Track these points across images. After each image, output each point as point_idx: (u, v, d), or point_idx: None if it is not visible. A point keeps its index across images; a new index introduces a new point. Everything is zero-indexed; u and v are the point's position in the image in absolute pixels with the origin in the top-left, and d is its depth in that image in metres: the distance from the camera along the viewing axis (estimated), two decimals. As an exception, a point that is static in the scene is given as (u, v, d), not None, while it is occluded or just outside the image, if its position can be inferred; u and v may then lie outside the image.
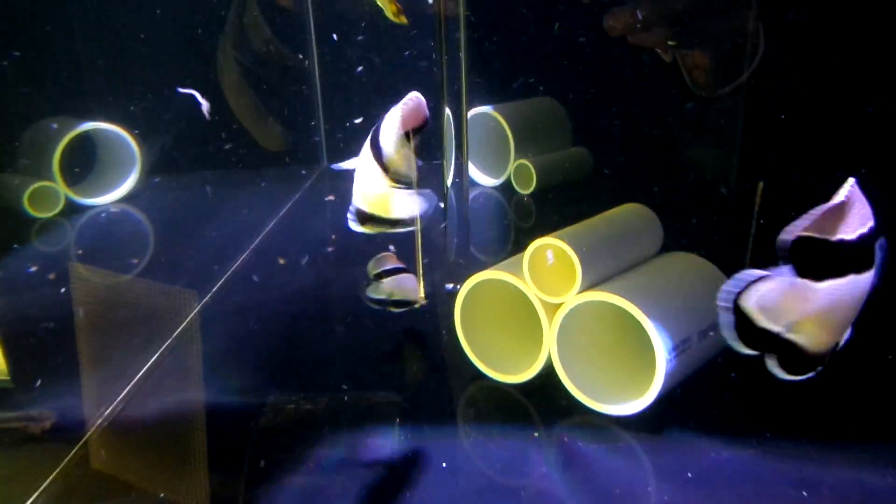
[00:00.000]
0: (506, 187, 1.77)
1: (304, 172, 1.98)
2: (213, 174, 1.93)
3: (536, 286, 0.86)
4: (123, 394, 0.94)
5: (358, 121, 1.42)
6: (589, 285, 0.84)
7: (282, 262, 1.30)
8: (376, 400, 0.92)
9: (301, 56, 1.87)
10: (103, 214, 1.68)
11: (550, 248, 0.85)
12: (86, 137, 1.69)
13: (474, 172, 1.80)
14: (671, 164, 1.40)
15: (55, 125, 1.65)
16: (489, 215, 1.75)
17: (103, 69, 1.76)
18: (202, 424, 0.89)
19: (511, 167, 1.75)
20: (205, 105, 1.04)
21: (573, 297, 0.84)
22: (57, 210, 1.61)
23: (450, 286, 1.23)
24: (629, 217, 0.95)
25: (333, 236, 1.54)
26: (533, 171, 1.71)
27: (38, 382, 1.00)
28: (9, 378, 1.08)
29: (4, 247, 1.48)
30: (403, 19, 1.00)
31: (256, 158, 1.92)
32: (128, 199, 1.73)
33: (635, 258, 0.92)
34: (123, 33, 1.73)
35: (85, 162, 1.77)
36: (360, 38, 1.81)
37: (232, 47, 1.72)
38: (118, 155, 1.74)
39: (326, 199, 1.40)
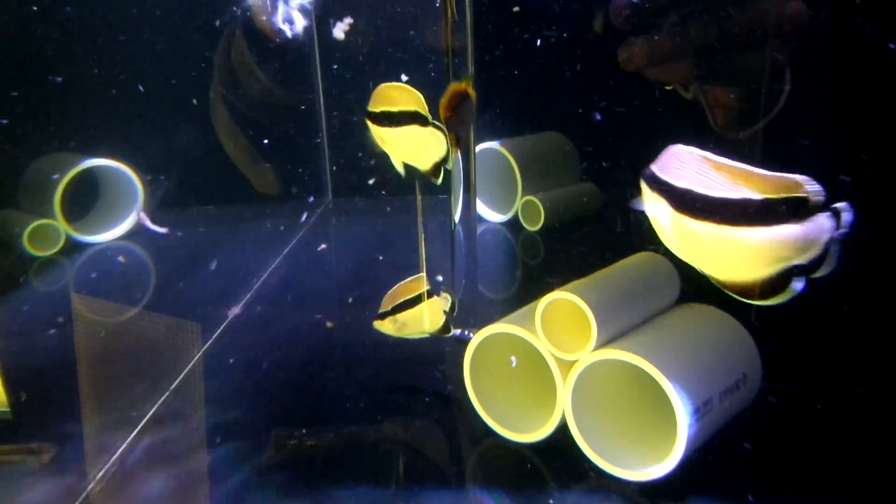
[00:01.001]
0: (513, 223, 1.74)
1: (309, 204, 1.95)
2: (216, 210, 1.91)
3: (550, 341, 0.83)
4: (127, 442, 0.90)
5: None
6: (605, 341, 0.81)
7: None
8: (376, 456, 0.88)
9: (298, 93, 1.85)
10: (104, 252, 1.66)
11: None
12: (88, 173, 1.67)
13: (481, 208, 1.78)
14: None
15: (57, 162, 1.63)
16: (496, 252, 1.72)
17: (107, 105, 1.75)
18: (205, 475, 0.85)
19: (518, 203, 1.73)
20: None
21: (588, 354, 0.80)
22: (57, 248, 1.59)
23: (458, 332, 1.20)
24: (645, 267, 0.91)
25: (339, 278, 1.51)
26: (541, 207, 1.68)
27: (38, 418, 0.97)
28: (9, 410, 1.05)
29: (3, 285, 1.46)
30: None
31: (260, 194, 1.89)
32: (129, 236, 1.71)
33: (652, 311, 0.88)
34: (127, 70, 1.72)
35: (87, 198, 1.75)
36: (365, 68, 1.80)
37: (221, 86, 1.69)
38: (120, 191, 1.72)
39: (320, 248, 1.37)
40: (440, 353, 1.10)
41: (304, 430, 0.94)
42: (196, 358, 1.13)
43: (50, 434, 0.94)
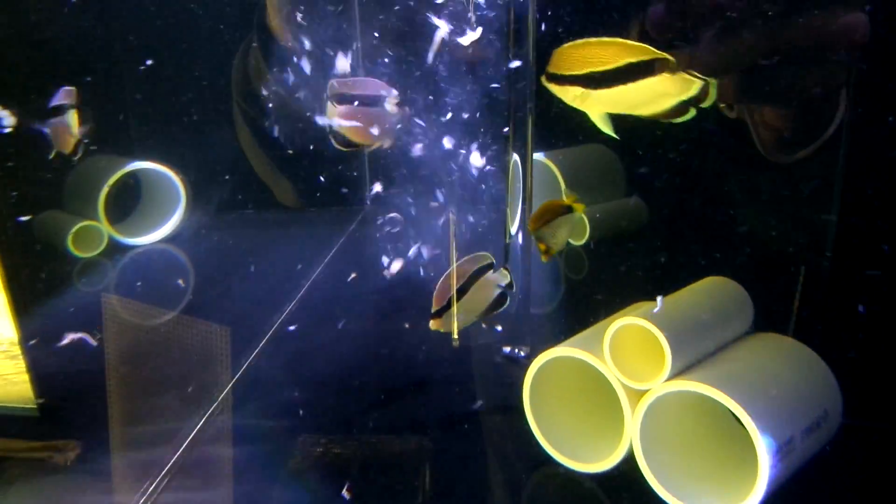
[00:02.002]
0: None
1: (349, 210, 1.94)
2: (255, 214, 1.90)
3: (618, 368, 0.79)
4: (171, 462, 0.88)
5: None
6: (678, 371, 0.77)
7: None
8: (425, 479, 0.85)
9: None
10: (146, 255, 1.65)
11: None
12: (131, 176, 1.67)
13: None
14: (734, 228, 1.31)
15: (102, 165, 1.63)
16: (539, 267, 1.68)
17: (150, 107, 1.75)
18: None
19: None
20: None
21: (661, 384, 0.76)
22: (100, 250, 1.59)
23: (507, 350, 1.16)
24: (718, 293, 0.88)
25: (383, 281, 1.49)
26: (586, 221, 1.64)
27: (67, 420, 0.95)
28: (35, 407, 1.05)
29: (47, 286, 1.45)
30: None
31: (300, 200, 1.88)
32: (171, 238, 1.70)
33: (725, 339, 0.84)
34: (172, 73, 1.72)
35: (129, 200, 1.75)
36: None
37: (239, 98, 1.68)
38: (163, 194, 1.72)
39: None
40: (493, 372, 1.07)
41: (348, 447, 0.91)
42: (245, 366, 1.11)
43: (75, 435, 0.92)
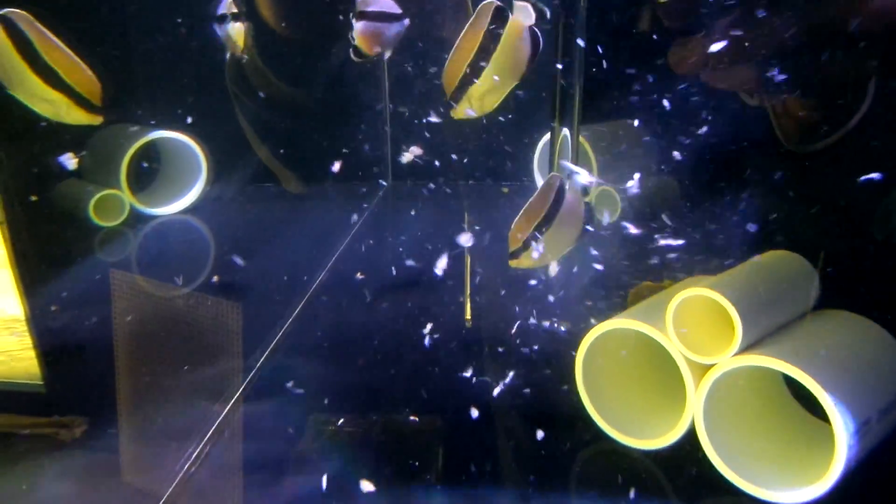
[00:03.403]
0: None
1: (371, 188, 1.90)
2: (275, 188, 1.86)
3: (683, 342, 0.75)
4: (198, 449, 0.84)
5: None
6: (746, 346, 0.73)
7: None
8: (473, 459, 0.81)
9: (316, 93, 1.80)
10: (167, 224, 1.62)
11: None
12: (152, 145, 1.63)
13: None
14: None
15: (122, 133, 1.59)
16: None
17: (173, 77, 1.70)
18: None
19: (593, 193, 1.64)
20: None
21: (729, 359, 0.72)
22: (121, 219, 1.55)
23: (546, 324, 1.13)
24: (783, 266, 0.84)
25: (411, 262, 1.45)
26: (617, 199, 1.60)
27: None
28: (42, 383, 1.02)
29: (67, 255, 1.42)
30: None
31: (322, 174, 1.85)
32: (192, 209, 1.66)
33: (792, 315, 0.80)
34: (196, 43, 1.67)
35: (150, 170, 1.71)
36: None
37: (233, 85, 1.64)
38: (184, 164, 1.68)
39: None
40: (536, 345, 1.04)
41: (389, 426, 0.88)
42: (275, 340, 1.08)
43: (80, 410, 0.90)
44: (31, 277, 1.31)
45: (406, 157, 1.46)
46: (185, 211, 1.66)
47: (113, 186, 1.54)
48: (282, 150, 1.79)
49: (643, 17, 1.20)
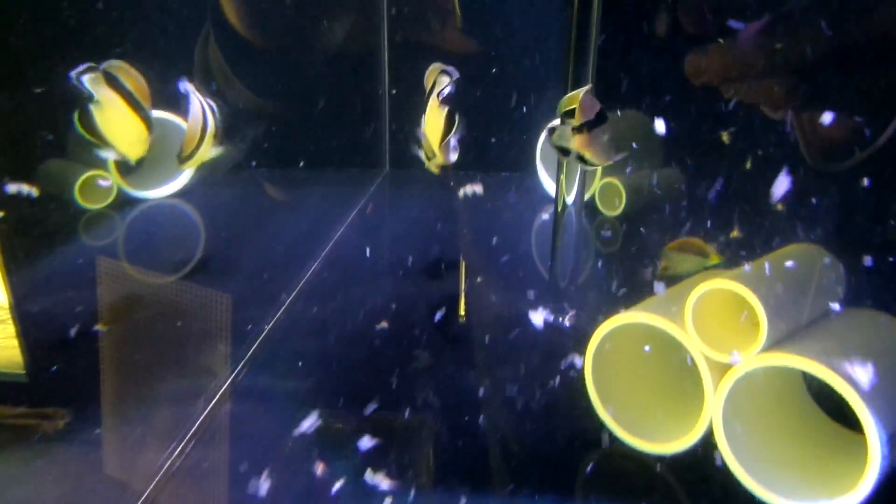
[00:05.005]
0: (588, 207, 1.60)
1: (369, 174, 1.85)
2: (269, 172, 1.81)
3: (702, 339, 0.70)
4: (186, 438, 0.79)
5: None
6: (770, 345, 0.68)
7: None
8: (475, 461, 0.76)
9: (280, 100, 1.75)
10: (157, 209, 1.56)
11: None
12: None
13: (553, 189, 1.65)
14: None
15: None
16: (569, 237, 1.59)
17: (164, 54, 1.64)
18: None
19: (596, 185, 1.59)
20: None
21: (753, 358, 0.67)
22: (108, 202, 1.49)
23: (551, 319, 1.07)
24: (808, 261, 0.78)
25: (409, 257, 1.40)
26: (622, 190, 1.55)
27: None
28: (24, 373, 0.97)
29: (50, 239, 1.36)
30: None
31: (319, 159, 1.80)
32: (183, 193, 1.60)
33: (817, 313, 0.75)
34: (188, 20, 1.61)
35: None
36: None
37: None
38: (175, 145, 1.61)
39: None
40: (541, 341, 0.98)
41: (385, 422, 0.82)
42: (265, 331, 1.02)
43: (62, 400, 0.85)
44: (13, 264, 1.25)
45: (464, 192, 1.45)
46: (176, 195, 1.60)
47: (99, 167, 1.48)
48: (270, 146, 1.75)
49: (661, 19, 1.14)
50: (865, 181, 0.92)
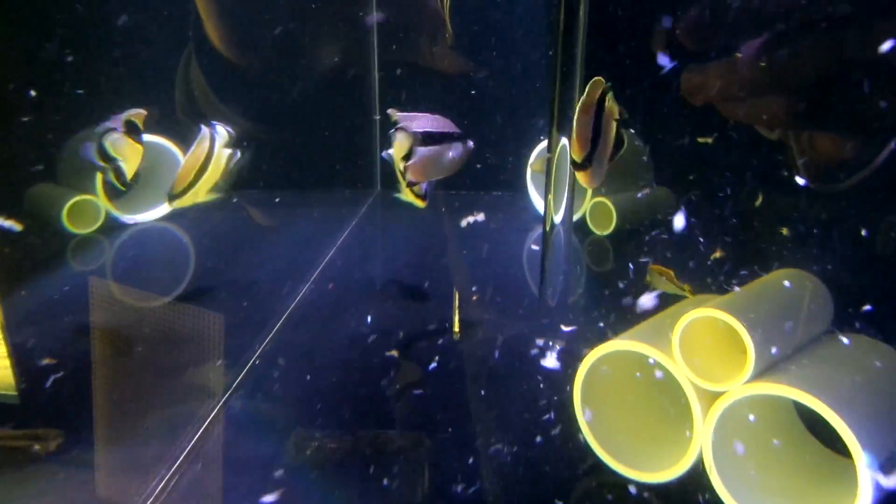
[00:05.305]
0: (579, 227, 1.61)
1: (360, 194, 1.85)
2: (260, 195, 1.80)
3: (689, 368, 0.70)
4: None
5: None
6: (758, 373, 0.68)
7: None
8: (459, 488, 0.75)
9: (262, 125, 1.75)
10: (146, 233, 1.55)
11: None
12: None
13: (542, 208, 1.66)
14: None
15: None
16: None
17: (154, 78, 1.64)
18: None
19: (587, 204, 1.59)
20: None
21: (741, 387, 0.67)
22: (96, 226, 1.48)
23: (541, 342, 1.07)
24: (796, 287, 0.78)
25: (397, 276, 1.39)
26: (613, 210, 1.55)
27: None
28: (16, 394, 0.96)
29: (37, 263, 1.35)
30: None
31: (308, 180, 1.80)
32: (172, 216, 1.60)
33: (805, 339, 0.75)
34: (176, 42, 1.61)
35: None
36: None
37: (180, 111, 1.59)
38: (165, 169, 1.61)
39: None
40: (529, 364, 0.98)
41: (373, 448, 0.82)
42: (256, 353, 1.01)
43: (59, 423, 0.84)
44: (3, 286, 1.24)
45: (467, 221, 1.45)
46: (165, 218, 1.59)
47: (88, 191, 1.48)
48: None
49: (658, 38, 1.14)
50: (853, 203, 0.92)
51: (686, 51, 0.98)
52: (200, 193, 1.05)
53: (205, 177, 1.03)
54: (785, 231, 0.91)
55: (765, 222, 1.05)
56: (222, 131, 1.07)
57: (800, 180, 0.91)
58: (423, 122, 0.87)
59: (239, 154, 1.08)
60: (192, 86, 1.56)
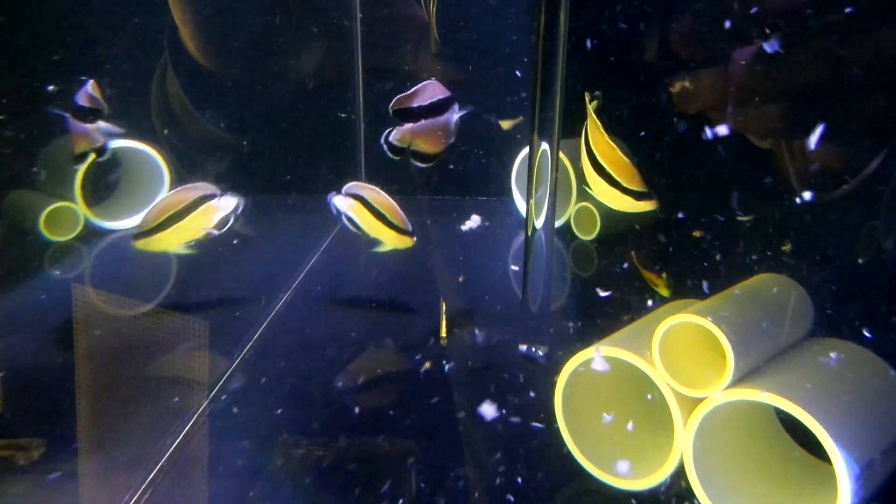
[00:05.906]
0: (564, 232, 1.61)
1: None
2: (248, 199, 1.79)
3: (670, 373, 0.69)
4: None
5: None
6: (737, 379, 0.67)
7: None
8: (437, 489, 0.74)
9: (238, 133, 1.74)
10: (126, 240, 1.53)
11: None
12: (112, 155, 1.54)
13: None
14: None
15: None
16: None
17: (133, 82, 1.63)
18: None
19: (571, 210, 1.59)
20: None
21: (721, 393, 0.66)
22: (75, 233, 1.46)
23: (524, 348, 1.06)
24: (775, 292, 0.78)
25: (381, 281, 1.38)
26: (597, 215, 1.55)
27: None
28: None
29: (15, 271, 1.33)
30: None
31: (294, 186, 1.78)
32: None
33: (785, 344, 0.74)
34: (158, 48, 1.60)
35: (108, 182, 1.62)
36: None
37: (155, 118, 1.58)
38: (145, 175, 1.59)
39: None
40: (509, 371, 0.97)
41: (354, 455, 0.81)
42: (236, 361, 1.00)
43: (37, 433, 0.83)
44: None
45: (467, 225, 1.45)
46: (146, 225, 1.57)
47: (66, 198, 1.46)
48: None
49: (650, 45, 1.14)
50: (836, 211, 0.92)
51: (679, 58, 0.98)
52: (170, 242, 1.00)
53: (178, 224, 0.99)
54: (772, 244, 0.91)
55: (749, 229, 1.06)
56: (231, 200, 1.03)
57: (791, 186, 0.91)
58: (421, 97, 0.93)
59: (232, 220, 1.04)
60: (169, 94, 1.54)
